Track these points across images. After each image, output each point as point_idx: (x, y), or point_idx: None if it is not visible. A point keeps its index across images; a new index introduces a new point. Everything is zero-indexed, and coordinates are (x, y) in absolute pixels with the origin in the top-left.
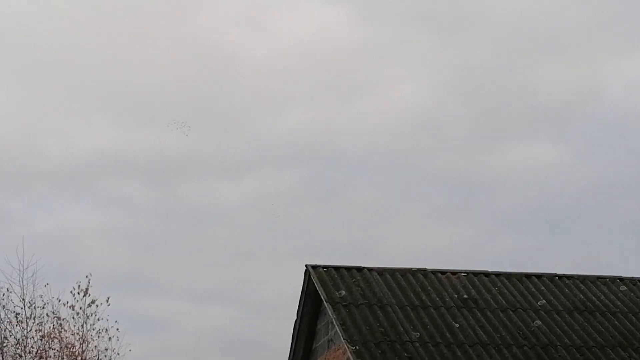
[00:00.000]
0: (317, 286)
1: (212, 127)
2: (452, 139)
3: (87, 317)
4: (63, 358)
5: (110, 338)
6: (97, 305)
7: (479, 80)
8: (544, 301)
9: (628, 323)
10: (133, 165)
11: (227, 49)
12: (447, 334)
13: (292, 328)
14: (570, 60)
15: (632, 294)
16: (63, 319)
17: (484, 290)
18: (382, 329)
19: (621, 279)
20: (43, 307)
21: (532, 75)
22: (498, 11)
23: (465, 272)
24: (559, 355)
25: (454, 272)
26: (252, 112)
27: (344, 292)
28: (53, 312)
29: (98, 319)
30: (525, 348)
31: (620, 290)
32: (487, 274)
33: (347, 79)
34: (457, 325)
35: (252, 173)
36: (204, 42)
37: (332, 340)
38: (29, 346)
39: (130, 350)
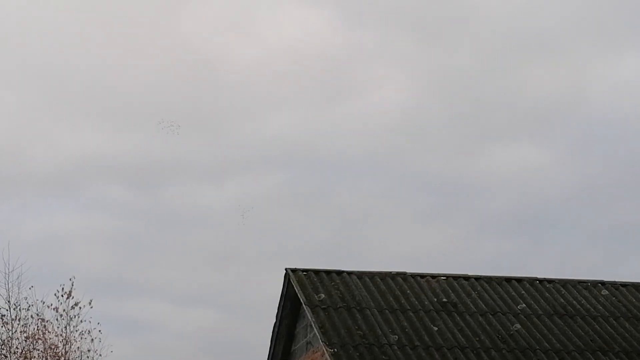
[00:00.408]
0: (297, 289)
1: (196, 131)
2: (435, 141)
3: (71, 319)
4: (47, 359)
5: (92, 340)
6: (80, 308)
7: (462, 83)
8: (524, 305)
9: (609, 327)
10: (117, 169)
11: (212, 53)
12: (426, 337)
13: (272, 330)
14: (554, 62)
15: (614, 298)
16: (47, 321)
17: (463, 294)
18: (361, 332)
19: (603, 283)
20: (28, 309)
21: (516, 77)
22: (481, 13)
23: (445, 275)
24: (538, 359)
25: (433, 276)
26: (236, 115)
27: (323, 296)
28: (37, 314)
29: (81, 321)
30: (504, 352)
31: (602, 295)
32: (467, 278)
33: (330, 82)
34: (436, 328)
35: (234, 176)
36: (188, 46)
37: (310, 342)
38: (14, 347)
39: (112, 352)
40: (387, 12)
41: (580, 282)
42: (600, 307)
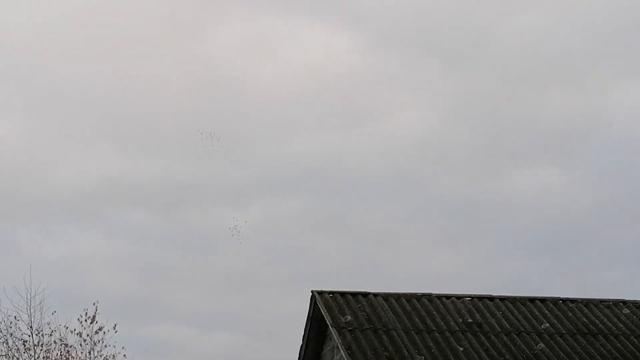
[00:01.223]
0: (323, 311)
1: (219, 154)
2: (458, 164)
3: (95, 343)
4: None
5: None
6: (104, 332)
7: (485, 106)
8: (548, 324)
9: (630, 345)
10: (139, 193)
11: (235, 75)
12: (452, 358)
13: (298, 353)
14: (575, 86)
15: (635, 316)
16: (70, 346)
17: (488, 314)
18: (387, 353)
19: (624, 302)
20: (50, 335)
21: (537, 101)
22: (504, 39)
23: (470, 296)
24: None
25: (458, 297)
26: (259, 137)
27: (349, 317)
28: (60, 339)
29: (105, 346)
30: None
31: (623, 314)
32: (491, 298)
33: (353, 104)
34: (462, 348)
35: (257, 199)
36: (211, 68)
37: None
38: None
39: None
40: (410, 36)
41: (602, 301)
42: (622, 326)
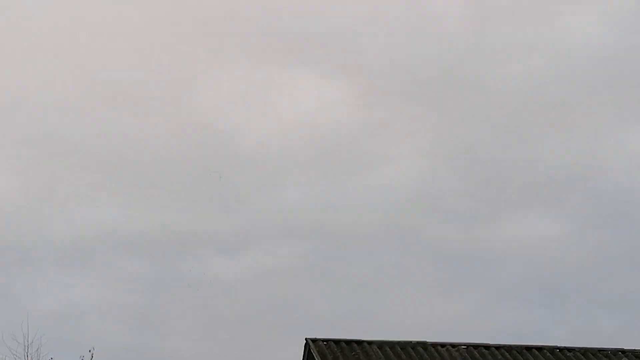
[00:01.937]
0: (317, 359)
1: (213, 203)
2: (450, 212)
3: None
4: None
5: None
6: None
7: (477, 155)
8: None
9: None
10: (136, 242)
11: (228, 127)
12: None
13: None
14: (568, 133)
15: None
16: None
17: None
18: None
19: (623, 351)
20: None
21: (530, 148)
22: (495, 87)
23: (465, 344)
24: None
25: (454, 345)
26: (253, 188)
27: None
28: None
29: None
30: None
31: None
32: (487, 347)
33: (345, 154)
34: None
35: (252, 248)
36: (204, 119)
37: None
38: None
39: None
40: (401, 85)
41: (600, 350)
42: None
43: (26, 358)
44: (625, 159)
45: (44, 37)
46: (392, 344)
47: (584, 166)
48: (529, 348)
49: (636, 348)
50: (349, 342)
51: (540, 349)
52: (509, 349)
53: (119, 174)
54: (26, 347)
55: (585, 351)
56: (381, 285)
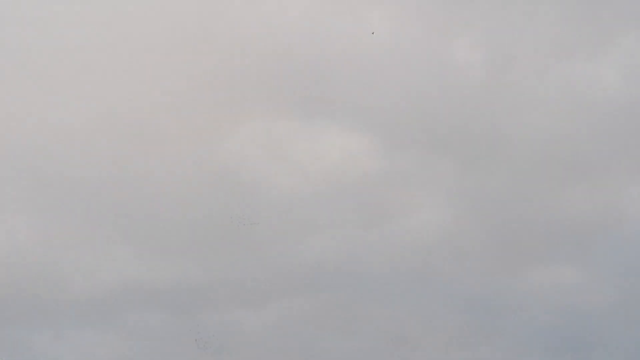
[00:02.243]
0: None
1: (237, 255)
2: (474, 263)
3: None
4: None
5: None
6: None
7: (500, 205)
8: None
9: None
10: (156, 295)
11: (253, 178)
12: None
13: None
14: (591, 184)
15: None
16: None
17: None
18: None
19: None
20: None
21: (553, 198)
22: (518, 135)
23: None
24: None
25: None
26: (276, 239)
27: None
28: None
29: None
30: None
31: None
32: None
33: (369, 205)
34: None
35: (274, 300)
36: (229, 171)
37: None
38: None
39: None
40: (424, 136)
41: None
42: None
43: None
44: None
45: (72, 88)
46: None
47: (607, 216)
48: None
49: None
50: None
51: None
52: None
53: (139, 226)
54: None
55: None
56: (405, 335)
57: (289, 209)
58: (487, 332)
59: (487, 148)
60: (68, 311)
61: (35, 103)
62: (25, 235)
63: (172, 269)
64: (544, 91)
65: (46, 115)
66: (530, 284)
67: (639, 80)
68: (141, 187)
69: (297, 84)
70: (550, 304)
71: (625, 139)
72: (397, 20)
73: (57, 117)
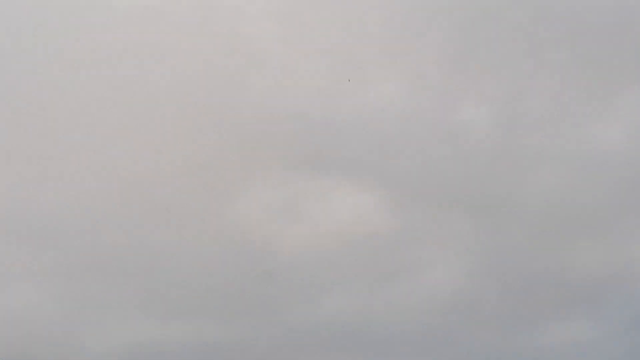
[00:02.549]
0: None
1: (249, 315)
2: (488, 319)
3: None
4: None
5: None
6: None
7: (513, 259)
8: None
9: None
10: (170, 356)
11: (264, 237)
12: None
13: None
14: (602, 237)
15: None
16: None
17: None
18: None
19: None
20: None
21: (565, 253)
22: (528, 190)
23: None
24: None
25: None
26: (289, 299)
27: None
28: None
29: None
30: None
31: None
32: None
33: (380, 263)
34: None
35: (289, 359)
36: (241, 230)
37: None
38: None
39: None
40: (435, 193)
41: None
42: None
43: None
44: None
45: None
46: None
47: (619, 269)
48: None
49: None
50: None
51: None
52: None
53: (150, 286)
54: None
55: None
56: None
57: (301, 268)
58: None
59: (498, 205)
60: None
61: (49, 169)
62: (37, 298)
63: (185, 329)
64: (551, 148)
65: (60, 183)
66: (545, 340)
67: None
68: (154, 251)
69: (307, 143)
70: (566, 359)
71: (632, 194)
72: (405, 80)
73: (70, 184)
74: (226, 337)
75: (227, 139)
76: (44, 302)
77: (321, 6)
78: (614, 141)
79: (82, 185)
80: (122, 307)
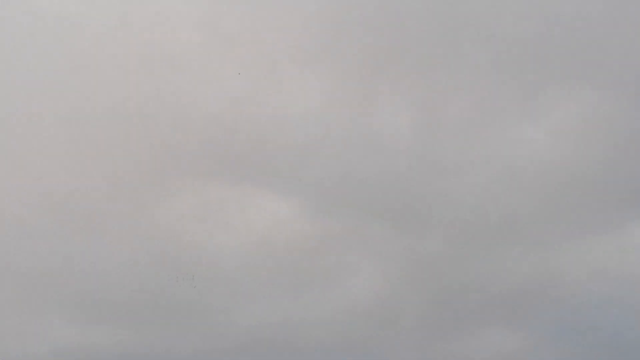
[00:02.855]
0: None
1: (168, 322)
2: (409, 327)
3: None
4: None
5: None
6: None
7: (435, 268)
8: None
9: None
10: None
11: (184, 244)
12: None
13: None
14: (527, 246)
15: None
16: None
17: None
18: None
19: None
20: None
21: (489, 261)
22: (451, 198)
23: None
24: None
25: None
26: (209, 306)
27: None
28: None
29: None
30: None
31: None
32: None
33: (301, 270)
34: None
35: None
36: (160, 237)
37: None
38: None
39: None
40: (355, 200)
41: None
42: None
43: None
44: (585, 272)
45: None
46: None
47: (544, 278)
48: None
49: None
50: None
51: None
52: None
53: (71, 293)
54: None
55: None
56: None
57: (220, 275)
58: None
59: (419, 212)
60: None
61: None
62: None
63: (105, 336)
64: (473, 153)
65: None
66: (468, 351)
67: (566, 140)
68: (74, 257)
69: (227, 151)
70: None
71: (563, 200)
72: (324, 85)
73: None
74: (147, 343)
75: (145, 146)
76: None
77: (240, 13)
78: (538, 145)
79: (0, 191)
80: (41, 313)
